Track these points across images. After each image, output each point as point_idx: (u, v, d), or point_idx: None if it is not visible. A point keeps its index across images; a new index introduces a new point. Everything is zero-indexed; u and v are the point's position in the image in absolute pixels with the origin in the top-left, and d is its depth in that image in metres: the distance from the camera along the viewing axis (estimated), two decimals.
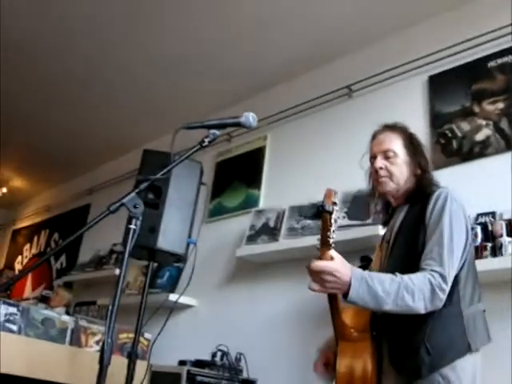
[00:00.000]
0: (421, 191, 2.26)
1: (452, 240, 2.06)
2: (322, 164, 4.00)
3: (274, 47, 4.25)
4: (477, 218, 2.98)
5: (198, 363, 3.51)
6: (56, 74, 5.05)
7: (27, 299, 6.98)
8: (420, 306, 1.95)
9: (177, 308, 4.21)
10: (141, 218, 1.78)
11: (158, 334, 2.96)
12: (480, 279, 2.76)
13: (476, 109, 3.31)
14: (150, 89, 5.07)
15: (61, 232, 7.45)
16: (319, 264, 1.91)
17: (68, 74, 5.03)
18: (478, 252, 2.78)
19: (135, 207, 1.77)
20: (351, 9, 3.77)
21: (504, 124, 3.14)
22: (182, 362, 3.55)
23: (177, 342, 4.08)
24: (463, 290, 2.08)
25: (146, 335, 3.75)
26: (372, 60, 3.97)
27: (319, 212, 1.91)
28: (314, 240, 3.44)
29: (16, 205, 9.00)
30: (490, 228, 2.85)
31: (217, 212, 4.68)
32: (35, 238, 8.09)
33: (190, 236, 3.10)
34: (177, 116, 5.08)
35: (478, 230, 2.86)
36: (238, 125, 2.04)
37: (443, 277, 1.98)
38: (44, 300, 6.13)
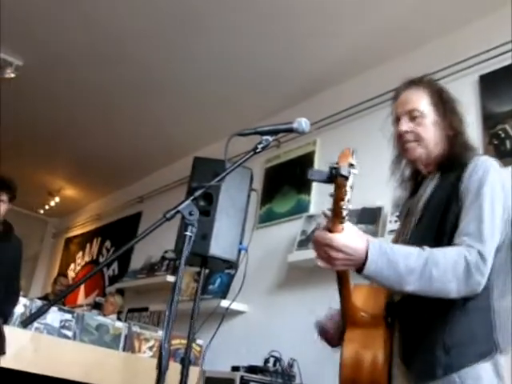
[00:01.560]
0: (454, 158, 1.92)
1: (494, 215, 1.72)
2: (373, 167, 3.96)
3: (323, 51, 4.25)
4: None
5: (251, 369, 3.53)
6: (107, 83, 5.15)
7: (81, 306, 7.11)
8: (452, 287, 1.62)
9: (228, 314, 4.23)
10: (196, 225, 1.80)
11: (211, 339, 2.97)
12: None
13: None
14: (199, 96, 5.12)
15: (113, 240, 7.57)
16: (325, 236, 1.59)
17: (119, 84, 5.13)
18: None
19: (191, 214, 1.78)
20: (400, 11, 3.74)
21: None
22: (234, 368, 3.57)
23: (229, 348, 4.09)
24: (496, 279, 1.72)
25: (198, 341, 3.77)
26: (422, 61, 3.93)
27: (332, 176, 1.50)
28: None
29: (68, 213, 9.18)
30: None
31: (267, 218, 4.70)
32: (88, 246, 8.24)
33: (241, 242, 3.10)
34: (226, 123, 5.11)
35: None
36: (291, 130, 2.03)
37: (482, 255, 1.64)
38: (97, 306, 6.24)
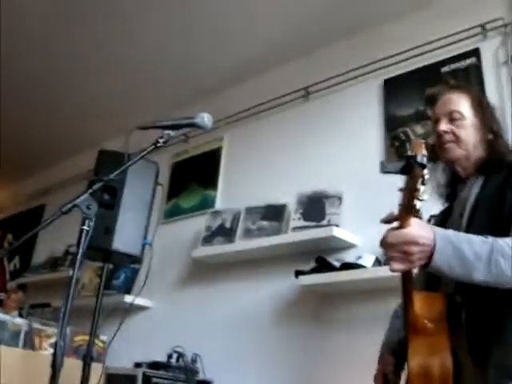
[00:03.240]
0: (498, 160, 1.89)
1: None
2: (278, 165, 4.02)
3: (232, 48, 4.25)
4: (429, 220, 3.04)
5: (154, 365, 3.49)
6: (11, 71, 4.97)
7: None
8: None
9: (132, 309, 4.18)
10: (94, 219, 1.77)
11: (114, 335, 2.94)
12: None
13: (429, 113, 3.35)
14: (108, 87, 5.01)
15: (15, 233, 7.32)
16: (399, 233, 1.52)
17: (24, 72, 4.96)
18: None
19: (88, 208, 1.75)
20: (309, 10, 3.78)
21: None
22: (137, 364, 3.52)
23: (133, 344, 4.04)
24: None
25: (102, 337, 3.71)
26: (329, 62, 4.00)
27: (409, 165, 1.42)
28: (269, 241, 3.52)
29: None
30: None
31: (173, 213, 4.65)
32: None
33: (145, 237, 3.08)
34: (135, 116, 5.00)
35: None
36: (193, 125, 2.03)
37: None
38: None
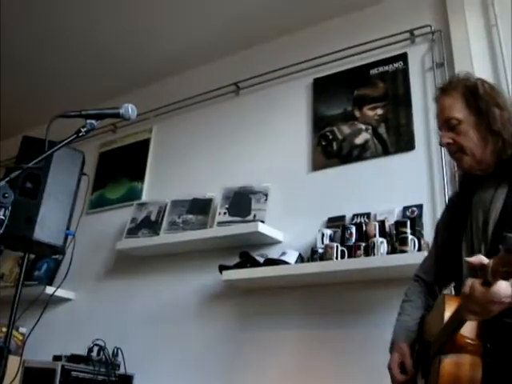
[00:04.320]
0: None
1: None
2: (206, 159, 4.02)
3: (164, 40, 4.21)
4: (352, 219, 3.11)
5: (74, 358, 3.43)
6: None
7: None
8: None
9: (54, 301, 4.08)
10: (11, 208, 1.73)
11: (33, 328, 2.89)
12: (352, 277, 2.91)
13: (357, 113, 3.43)
14: (35, 74, 4.88)
15: None
16: (488, 293, 1.41)
17: None
18: (352, 251, 2.89)
19: (4, 196, 1.71)
20: (243, 7, 3.79)
21: (382, 129, 3.29)
22: (56, 358, 3.46)
23: (53, 337, 3.96)
24: None
25: (21, 329, 3.64)
26: (261, 59, 4.03)
27: None
28: (194, 235, 3.52)
29: None
30: (364, 228, 2.97)
31: (98, 203, 4.58)
32: None
33: (68, 227, 3.03)
34: (63, 104, 4.89)
35: (353, 229, 2.99)
36: (117, 116, 2.00)
37: None
38: None
